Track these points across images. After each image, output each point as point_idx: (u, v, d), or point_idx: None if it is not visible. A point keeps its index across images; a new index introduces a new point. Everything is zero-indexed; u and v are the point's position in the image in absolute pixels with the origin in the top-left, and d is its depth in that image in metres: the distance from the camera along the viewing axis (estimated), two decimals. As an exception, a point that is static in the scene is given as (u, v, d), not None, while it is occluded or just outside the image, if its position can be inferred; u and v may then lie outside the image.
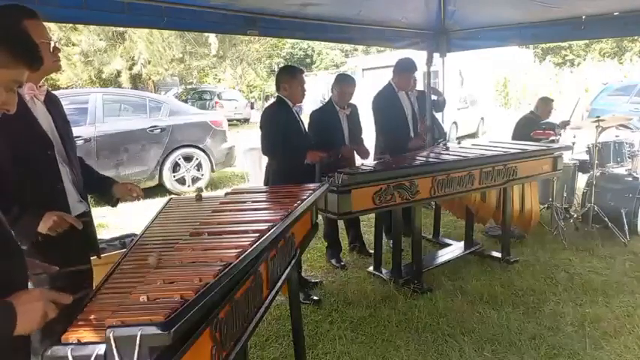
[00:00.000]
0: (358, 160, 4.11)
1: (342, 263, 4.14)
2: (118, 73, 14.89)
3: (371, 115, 4.38)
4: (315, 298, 3.46)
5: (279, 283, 2.00)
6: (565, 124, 4.91)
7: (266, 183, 3.54)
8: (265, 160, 3.74)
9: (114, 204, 2.15)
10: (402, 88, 4.34)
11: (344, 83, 3.97)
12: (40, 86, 1.88)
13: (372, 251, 4.29)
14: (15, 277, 1.18)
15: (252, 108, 21.00)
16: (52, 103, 1.97)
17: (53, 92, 2.04)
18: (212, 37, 14.50)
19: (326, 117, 3.96)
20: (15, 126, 1.75)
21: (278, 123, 3.38)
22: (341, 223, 4.44)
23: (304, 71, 3.67)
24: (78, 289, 1.77)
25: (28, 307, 1.04)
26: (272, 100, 3.75)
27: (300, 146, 3.44)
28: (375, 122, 4.35)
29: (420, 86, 4.65)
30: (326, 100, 6.45)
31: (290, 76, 3.44)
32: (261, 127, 3.45)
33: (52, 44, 1.80)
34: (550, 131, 4.85)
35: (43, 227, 1.63)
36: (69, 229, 1.72)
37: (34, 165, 1.80)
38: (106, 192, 2.12)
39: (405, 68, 4.30)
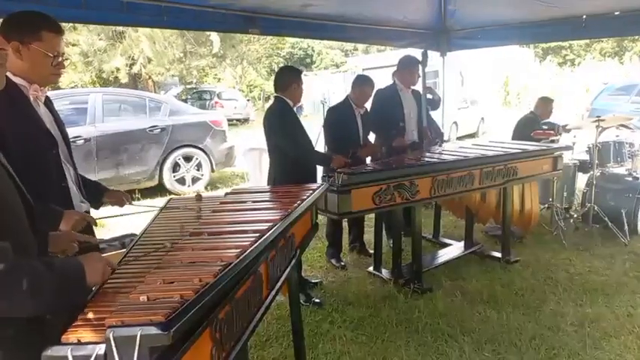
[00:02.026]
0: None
1: (342, 263, 4.14)
2: (118, 71, 14.85)
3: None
4: (317, 300, 3.45)
5: (279, 283, 2.00)
6: (566, 128, 4.92)
7: (272, 184, 3.52)
8: (265, 160, 3.74)
9: (98, 207, 2.18)
10: (408, 84, 4.37)
11: (365, 84, 4.07)
12: (42, 89, 1.90)
13: (372, 251, 4.29)
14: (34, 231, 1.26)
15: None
16: (51, 104, 2.00)
17: (53, 92, 2.06)
18: (213, 36, 14.46)
19: (343, 114, 4.05)
20: (22, 125, 1.78)
21: (286, 124, 3.39)
22: (344, 223, 4.43)
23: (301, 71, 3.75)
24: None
25: (93, 265, 1.25)
26: (271, 101, 3.75)
27: (305, 145, 3.48)
28: (369, 114, 4.36)
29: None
30: (326, 100, 6.42)
31: (299, 76, 3.50)
32: (271, 129, 3.40)
33: (58, 60, 1.82)
34: (550, 131, 4.85)
35: (65, 225, 1.67)
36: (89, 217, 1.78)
37: (41, 163, 1.82)
38: (98, 197, 2.15)
39: (408, 64, 4.35)
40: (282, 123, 3.39)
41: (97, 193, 2.15)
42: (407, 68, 4.33)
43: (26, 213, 1.23)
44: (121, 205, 2.18)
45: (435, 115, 5.33)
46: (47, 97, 1.99)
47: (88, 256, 1.30)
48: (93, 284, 1.26)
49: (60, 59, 1.83)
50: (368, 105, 4.23)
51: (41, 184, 1.78)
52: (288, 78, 3.43)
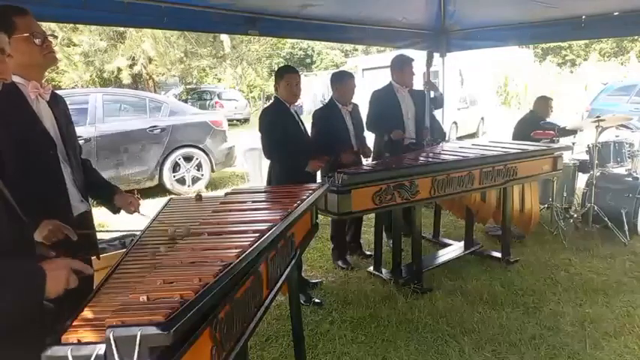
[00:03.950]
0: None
1: (350, 264, 4.12)
2: (119, 71, 14.88)
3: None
4: (317, 300, 3.46)
5: (279, 283, 2.00)
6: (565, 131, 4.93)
7: (269, 184, 3.53)
8: (265, 160, 3.73)
9: (116, 212, 2.16)
10: (404, 83, 4.33)
11: (344, 81, 3.90)
12: (44, 85, 1.89)
13: (369, 253, 4.29)
14: (21, 246, 1.24)
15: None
16: (56, 103, 1.99)
17: (57, 92, 2.06)
18: (224, 36, 14.48)
19: (329, 116, 3.91)
20: (18, 124, 1.77)
21: (277, 124, 3.37)
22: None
23: (296, 70, 3.60)
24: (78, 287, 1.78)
25: (56, 273, 1.15)
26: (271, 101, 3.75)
27: (301, 146, 3.44)
28: (366, 116, 4.35)
29: (418, 86, 4.66)
30: (326, 100, 6.41)
31: (278, 76, 3.42)
32: (260, 130, 3.42)
33: (40, 38, 1.80)
34: (550, 131, 4.85)
35: (38, 235, 1.62)
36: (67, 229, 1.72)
37: (37, 164, 1.81)
38: (109, 200, 2.13)
39: (400, 64, 4.30)
40: (267, 123, 3.38)
41: (108, 195, 2.13)
42: (399, 68, 4.29)
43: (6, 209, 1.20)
44: (128, 212, 2.12)
45: (435, 114, 5.33)
46: (55, 97, 1.98)
47: (53, 263, 1.19)
48: (53, 294, 1.15)
49: (42, 37, 1.82)
50: (362, 103, 4.19)
51: (35, 184, 1.77)
52: (277, 77, 3.43)
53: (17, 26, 1.75)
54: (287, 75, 3.39)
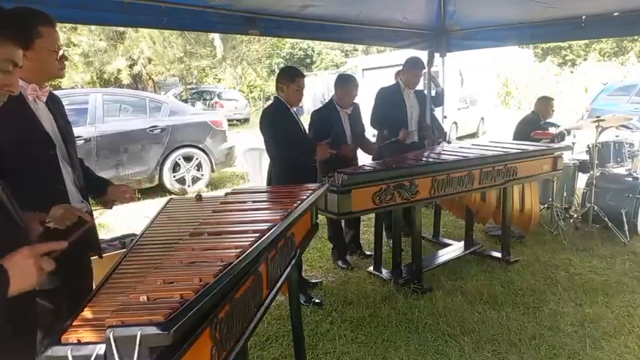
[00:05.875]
0: (359, 160, 4.10)
1: (350, 264, 4.12)
2: (119, 72, 14.89)
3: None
4: (317, 300, 3.45)
5: (279, 283, 2.00)
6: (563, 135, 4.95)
7: (269, 184, 3.53)
8: (265, 160, 3.73)
9: (109, 206, 2.16)
10: (410, 84, 4.36)
11: (347, 85, 3.89)
12: (42, 87, 1.89)
13: (369, 253, 4.29)
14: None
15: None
16: (54, 103, 1.98)
17: (55, 92, 2.06)
18: (216, 40, 14.52)
19: (327, 117, 3.90)
20: (17, 126, 1.77)
21: (278, 124, 3.37)
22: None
23: (304, 74, 3.56)
24: (78, 282, 1.79)
25: (19, 265, 1.07)
26: (271, 101, 3.74)
27: (302, 146, 3.43)
28: (371, 112, 4.37)
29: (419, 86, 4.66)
30: (326, 100, 6.40)
31: (288, 78, 3.37)
32: (262, 130, 3.40)
33: (61, 53, 1.84)
34: (550, 131, 4.85)
35: (49, 222, 1.61)
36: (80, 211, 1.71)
37: (35, 165, 1.81)
38: (102, 194, 2.12)
39: (414, 65, 4.33)
40: (268, 123, 3.37)
41: (101, 188, 2.12)
42: (412, 70, 4.31)
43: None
44: (124, 201, 2.11)
45: (436, 114, 5.34)
46: (52, 97, 1.98)
47: (14, 256, 1.08)
48: (26, 288, 1.08)
49: (62, 52, 1.84)
50: (362, 104, 4.18)
51: (35, 185, 1.77)
52: (287, 79, 3.39)
53: (42, 35, 1.76)
54: (298, 79, 3.35)
